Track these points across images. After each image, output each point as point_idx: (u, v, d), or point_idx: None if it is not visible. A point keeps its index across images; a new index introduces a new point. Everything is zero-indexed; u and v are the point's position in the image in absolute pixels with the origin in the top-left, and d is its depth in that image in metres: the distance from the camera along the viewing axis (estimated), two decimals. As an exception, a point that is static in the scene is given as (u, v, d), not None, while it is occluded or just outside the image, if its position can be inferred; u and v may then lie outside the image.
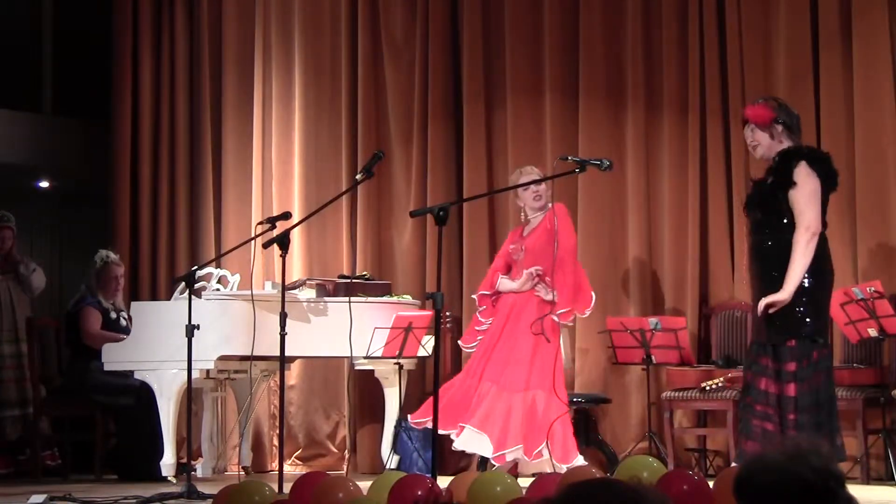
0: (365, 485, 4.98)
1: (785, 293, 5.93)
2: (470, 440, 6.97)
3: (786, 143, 6.15)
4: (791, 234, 5.99)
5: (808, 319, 5.97)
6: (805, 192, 5.99)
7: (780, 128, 6.13)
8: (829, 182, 6.10)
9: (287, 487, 5.43)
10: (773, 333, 6.03)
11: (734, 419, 7.28)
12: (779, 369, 6.00)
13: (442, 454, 7.93)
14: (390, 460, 7.91)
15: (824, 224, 6.07)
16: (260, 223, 7.08)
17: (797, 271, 5.94)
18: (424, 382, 8.56)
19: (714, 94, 8.14)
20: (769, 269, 6.03)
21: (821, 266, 6.04)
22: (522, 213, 7.35)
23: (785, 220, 6.03)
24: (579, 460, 6.85)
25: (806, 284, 5.96)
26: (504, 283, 7.27)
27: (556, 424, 6.83)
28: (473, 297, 7.49)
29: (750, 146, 6.27)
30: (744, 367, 6.47)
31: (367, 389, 8.58)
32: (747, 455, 5.98)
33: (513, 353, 7.04)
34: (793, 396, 5.93)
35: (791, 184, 6.03)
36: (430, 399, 6.89)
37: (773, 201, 6.08)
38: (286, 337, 6.24)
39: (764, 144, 6.17)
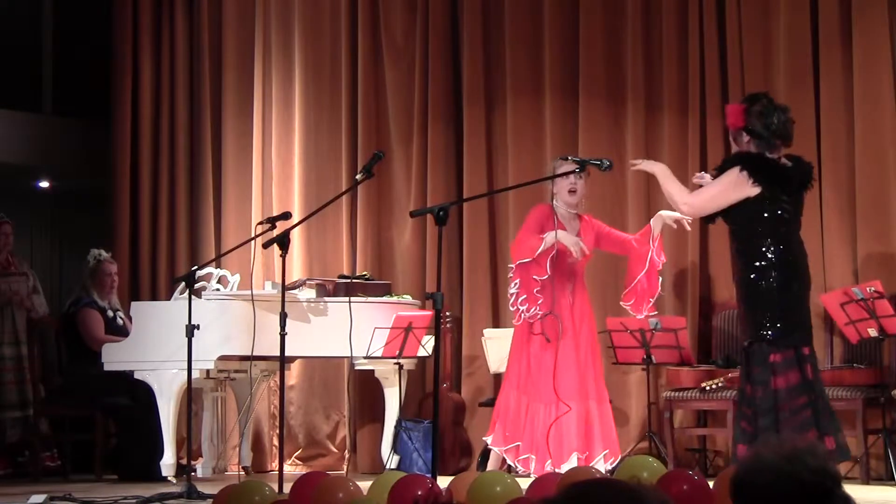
0: (365, 485, 4.98)
1: (658, 173, 6.31)
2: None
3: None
4: (743, 238, 6.01)
5: (768, 322, 5.91)
6: (716, 181, 6.06)
7: (745, 137, 6.07)
8: (777, 184, 5.99)
9: (287, 487, 5.43)
10: (743, 336, 6.06)
11: (734, 419, 7.28)
12: (749, 371, 6.01)
13: (442, 454, 7.94)
14: (390, 460, 7.91)
15: (798, 224, 6.05)
16: (260, 223, 7.08)
17: (667, 188, 6.26)
18: (424, 382, 8.56)
19: (714, 94, 8.13)
20: (738, 274, 6.06)
21: (791, 268, 5.97)
22: (554, 200, 7.24)
23: (735, 226, 6.08)
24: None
25: (766, 286, 5.93)
26: (562, 235, 7.05)
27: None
28: (510, 266, 7.23)
29: None
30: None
31: (367, 389, 8.58)
32: (738, 457, 5.99)
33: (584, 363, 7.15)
34: (756, 398, 5.93)
35: None
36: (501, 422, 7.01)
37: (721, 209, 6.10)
38: (286, 337, 6.24)
39: (733, 145, 6.22)
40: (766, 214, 5.96)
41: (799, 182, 6.09)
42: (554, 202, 7.24)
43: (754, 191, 5.94)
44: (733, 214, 6.05)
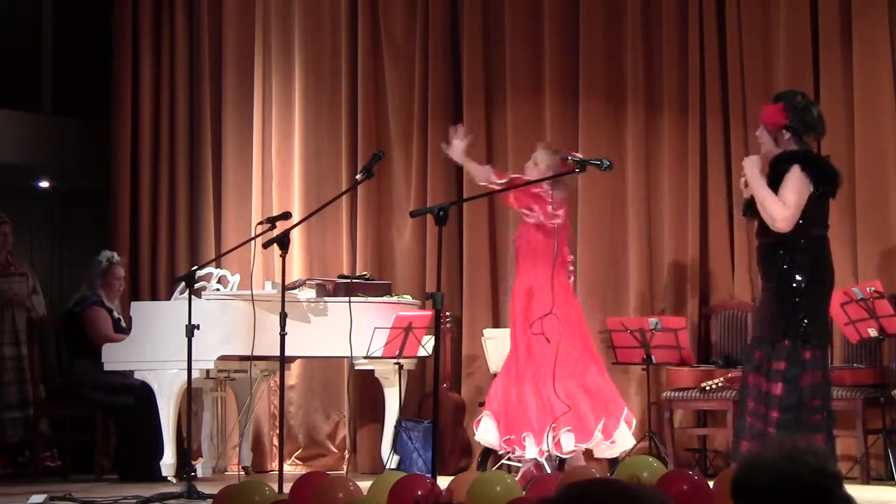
0: (365, 485, 4.98)
1: (748, 175, 6.05)
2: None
3: (791, 149, 6.11)
4: (787, 236, 5.97)
5: (803, 320, 5.95)
6: (787, 184, 5.94)
7: (787, 135, 6.07)
8: (825, 185, 6.03)
9: (287, 487, 5.43)
10: (772, 330, 6.04)
11: (734, 419, 7.29)
12: (769, 367, 6.01)
13: (442, 454, 7.94)
14: (390, 460, 7.91)
15: (826, 227, 6.07)
16: (260, 223, 7.08)
17: (757, 188, 6.01)
18: (424, 382, 8.56)
19: (714, 94, 8.14)
20: (774, 272, 6.05)
21: (819, 268, 6.01)
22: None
23: None
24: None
25: (803, 284, 5.95)
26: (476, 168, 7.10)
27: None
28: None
29: (757, 140, 6.27)
30: (742, 365, 6.48)
31: (367, 389, 8.58)
32: (741, 454, 6.00)
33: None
34: (778, 395, 5.93)
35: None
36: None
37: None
38: (286, 337, 6.24)
39: (766, 146, 6.17)
40: (809, 213, 5.98)
41: (833, 184, 6.12)
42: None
43: (810, 189, 5.97)
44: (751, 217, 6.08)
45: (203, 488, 6.47)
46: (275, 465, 8.25)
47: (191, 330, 6.61)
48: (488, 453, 7.67)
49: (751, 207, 6.18)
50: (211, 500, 5.61)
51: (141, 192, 9.41)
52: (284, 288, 6.45)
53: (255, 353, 6.89)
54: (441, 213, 5.31)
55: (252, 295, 6.98)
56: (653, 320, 7.55)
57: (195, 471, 7.74)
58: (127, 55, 9.50)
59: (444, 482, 4.92)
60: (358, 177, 6.72)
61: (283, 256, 6.27)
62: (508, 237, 8.49)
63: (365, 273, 8.45)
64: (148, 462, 7.76)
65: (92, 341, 8.17)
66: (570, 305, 7.02)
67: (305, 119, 9.17)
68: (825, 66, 7.85)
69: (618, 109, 8.43)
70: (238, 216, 9.23)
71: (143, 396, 7.78)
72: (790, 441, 2.44)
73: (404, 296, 8.25)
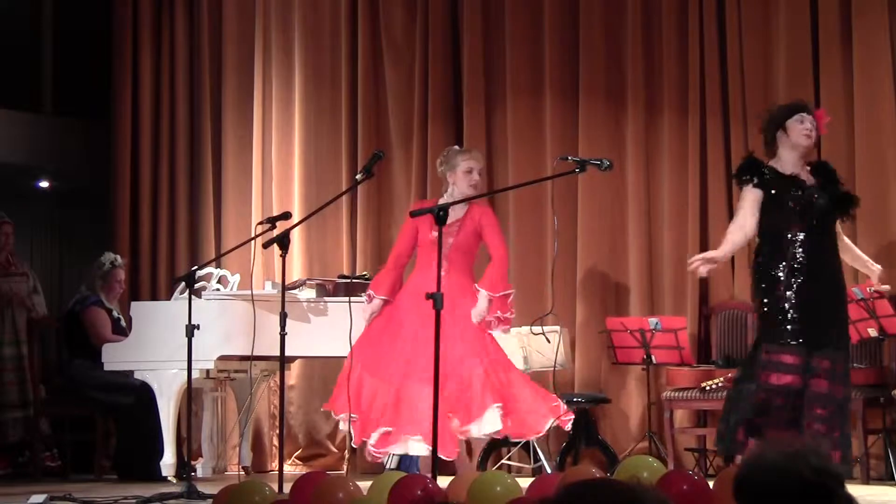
0: (365, 485, 4.98)
1: None
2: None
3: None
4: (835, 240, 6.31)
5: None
6: None
7: None
8: None
9: (287, 487, 5.43)
10: (833, 336, 6.12)
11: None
12: (834, 369, 6.07)
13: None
14: (390, 460, 7.90)
15: None
16: (260, 223, 7.08)
17: None
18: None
19: (714, 94, 8.14)
20: (838, 274, 6.24)
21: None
22: (447, 192, 6.88)
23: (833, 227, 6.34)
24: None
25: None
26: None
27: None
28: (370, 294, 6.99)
29: (810, 131, 6.33)
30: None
31: (367, 389, 8.57)
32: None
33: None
34: (841, 397, 6.04)
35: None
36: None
37: (848, 207, 6.33)
38: (286, 337, 6.24)
39: (812, 143, 6.40)
40: None
41: None
42: (447, 192, 6.92)
43: None
44: (842, 216, 6.34)
45: (203, 488, 6.47)
46: (275, 465, 8.25)
47: (191, 330, 6.61)
48: (489, 453, 7.66)
49: (829, 210, 6.28)
50: (211, 500, 5.61)
51: (141, 192, 9.41)
52: (284, 288, 6.45)
53: (255, 353, 6.88)
54: (441, 213, 5.32)
55: (252, 295, 6.98)
56: (653, 320, 7.55)
57: (195, 471, 7.75)
58: (127, 55, 9.50)
59: (444, 482, 4.92)
60: (358, 177, 6.71)
61: (283, 256, 6.27)
62: (510, 237, 8.49)
63: (365, 273, 8.43)
64: (148, 462, 7.77)
65: (91, 341, 8.18)
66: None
67: (305, 119, 9.17)
68: (825, 66, 7.85)
69: (618, 110, 8.43)
70: (238, 216, 9.23)
71: (143, 396, 7.78)
72: (793, 441, 2.45)
73: (404, 296, 8.23)
